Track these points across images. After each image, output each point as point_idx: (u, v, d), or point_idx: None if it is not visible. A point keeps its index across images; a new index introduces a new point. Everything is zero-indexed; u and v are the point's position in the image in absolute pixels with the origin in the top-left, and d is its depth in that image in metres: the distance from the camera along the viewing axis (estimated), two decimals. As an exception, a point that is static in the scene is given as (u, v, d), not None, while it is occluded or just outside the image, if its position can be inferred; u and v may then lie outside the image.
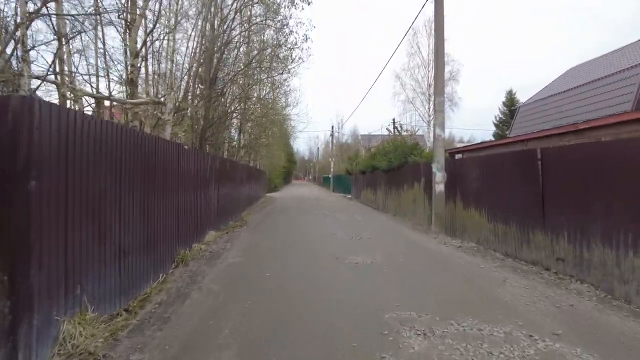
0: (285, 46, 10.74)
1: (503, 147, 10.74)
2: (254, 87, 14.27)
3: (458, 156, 12.18)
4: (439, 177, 9.24)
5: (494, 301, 4.11)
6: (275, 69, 13.45)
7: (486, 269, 5.65)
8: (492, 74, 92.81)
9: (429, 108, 30.93)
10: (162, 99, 7.88)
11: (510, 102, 49.55)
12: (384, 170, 15.87)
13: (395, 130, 29.33)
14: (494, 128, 48.32)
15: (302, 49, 11.34)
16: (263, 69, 11.63)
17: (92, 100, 8.99)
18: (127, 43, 9.20)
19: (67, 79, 7.73)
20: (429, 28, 31.66)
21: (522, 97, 48.73)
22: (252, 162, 22.42)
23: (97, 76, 9.98)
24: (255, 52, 11.12)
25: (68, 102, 9.43)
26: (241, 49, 11.57)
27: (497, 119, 48.24)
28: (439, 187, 9.24)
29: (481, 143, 13.90)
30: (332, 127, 41.05)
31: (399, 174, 14.25)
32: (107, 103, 8.98)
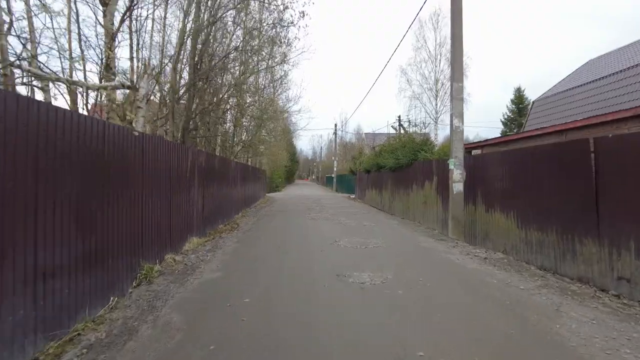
0: (280, 25, 9.55)
1: (533, 140, 9.46)
2: (250, 77, 13.09)
3: (475, 152, 10.93)
4: (458, 175, 8.01)
5: (559, 349, 2.90)
6: (273, 57, 12.28)
7: (527, 290, 4.42)
8: (496, 71, 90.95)
9: (436, 105, 29.67)
10: (138, 84, 6.73)
11: (519, 100, 48.17)
12: (391, 169, 14.65)
13: (401, 128, 28.09)
14: (501, 126, 47.00)
15: (300, 26, 10.07)
16: (254, 51, 10.44)
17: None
18: (102, 22, 8.08)
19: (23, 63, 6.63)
20: (435, 21, 30.41)
21: (528, 94, 47.16)
22: (250, 160, 21.24)
23: (71, 62, 8.86)
24: (243, 31, 9.93)
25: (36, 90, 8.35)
26: (233, 34, 10.41)
27: (505, 116, 46.87)
28: (457, 186, 8.01)
29: (505, 136, 12.61)
30: (335, 125, 39.82)
31: (407, 172, 13.02)
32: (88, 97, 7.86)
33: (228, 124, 14.34)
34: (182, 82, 8.97)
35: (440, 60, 29.39)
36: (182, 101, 8.91)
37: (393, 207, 14.75)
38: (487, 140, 12.87)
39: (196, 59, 8.35)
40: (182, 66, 8.93)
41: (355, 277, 4.74)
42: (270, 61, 13.50)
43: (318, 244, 7.08)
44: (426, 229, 9.92)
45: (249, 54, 10.53)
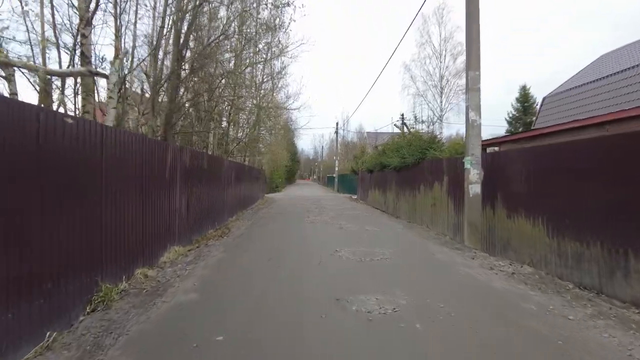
0: (274, 4, 8.61)
1: (562, 135, 8.50)
2: (246, 69, 12.18)
3: (490, 150, 10.00)
4: (474, 175, 7.08)
5: None
6: (270, 48, 11.35)
7: (579, 322, 3.49)
8: (497, 70, 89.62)
9: (441, 102, 28.72)
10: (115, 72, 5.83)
11: (525, 98, 47.13)
12: (396, 168, 13.71)
13: (404, 127, 27.19)
14: (506, 125, 46.06)
15: (295, 6, 9.13)
16: (247, 38, 9.51)
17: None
18: (75, 4, 7.20)
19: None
20: (440, 15, 29.45)
21: (533, 93, 46.32)
22: (248, 159, 20.34)
23: (44, 49, 7.95)
24: (233, 14, 8.99)
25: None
26: (223, 18, 9.45)
27: (510, 115, 45.94)
28: (474, 188, 7.07)
29: (529, 131, 11.61)
30: (337, 123, 38.87)
31: (414, 172, 12.08)
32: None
33: (224, 122, 13.43)
34: (167, 71, 8.06)
35: (445, 56, 28.47)
36: (163, 92, 8.01)
37: (398, 209, 13.82)
38: (505, 136, 11.93)
39: (180, 45, 7.44)
40: (165, 54, 8.02)
41: (359, 303, 3.81)
42: (268, 54, 12.60)
43: (316, 254, 6.14)
44: (436, 234, 8.98)
45: (242, 42, 9.62)
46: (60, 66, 8.15)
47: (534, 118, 24.47)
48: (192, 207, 7.81)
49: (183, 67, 7.76)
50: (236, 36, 9.20)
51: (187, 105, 8.61)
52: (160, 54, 7.71)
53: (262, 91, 15.95)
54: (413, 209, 12.06)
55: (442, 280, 4.73)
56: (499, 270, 5.30)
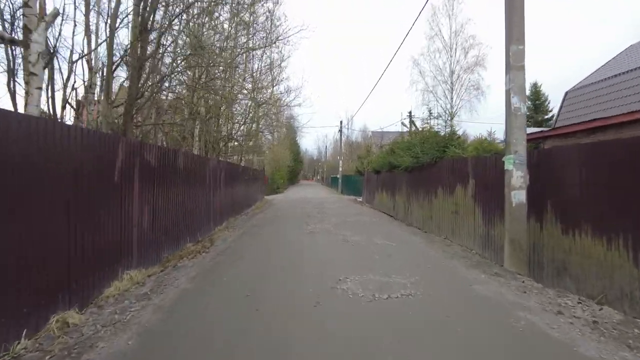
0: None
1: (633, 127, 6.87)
2: (240, 57, 10.66)
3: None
4: (519, 178, 5.49)
5: None
6: (268, 34, 9.82)
7: None
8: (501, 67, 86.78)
9: (451, 99, 27.05)
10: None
11: (536, 96, 45.43)
12: (407, 168, 12.13)
13: (412, 125, 25.63)
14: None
15: None
16: (239, 14, 7.97)
17: None
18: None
19: None
20: (450, 7, 27.78)
21: (544, 90, 44.78)
22: (244, 159, 18.82)
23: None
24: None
25: None
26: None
27: (521, 113, 44.16)
28: (518, 195, 5.49)
29: (591, 122, 9.89)
30: (341, 122, 37.30)
31: (429, 173, 10.49)
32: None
33: (214, 116, 11.89)
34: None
35: (456, 49, 26.80)
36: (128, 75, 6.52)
37: (410, 215, 12.23)
38: (553, 129, 10.32)
39: (142, 10, 5.91)
40: (123, 23, 6.50)
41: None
42: (267, 38, 11.09)
43: (311, 286, 4.56)
44: (462, 249, 7.38)
45: (233, 22, 8.12)
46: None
47: (554, 114, 22.77)
48: (160, 218, 6.29)
49: (146, 40, 6.27)
50: (225, 14, 7.68)
51: (154, 91, 7.08)
52: (117, 23, 6.17)
53: (259, 83, 14.43)
54: (428, 216, 10.47)
55: (502, 344, 3.14)
56: (571, 315, 3.71)
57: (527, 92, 37.93)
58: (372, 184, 19.89)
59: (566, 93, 19.56)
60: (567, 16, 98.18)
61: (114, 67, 6.07)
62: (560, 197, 5.25)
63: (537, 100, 45.72)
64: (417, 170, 11.50)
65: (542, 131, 11.09)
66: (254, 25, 10.89)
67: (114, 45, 6.06)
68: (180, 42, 7.66)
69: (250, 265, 5.77)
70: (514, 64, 5.52)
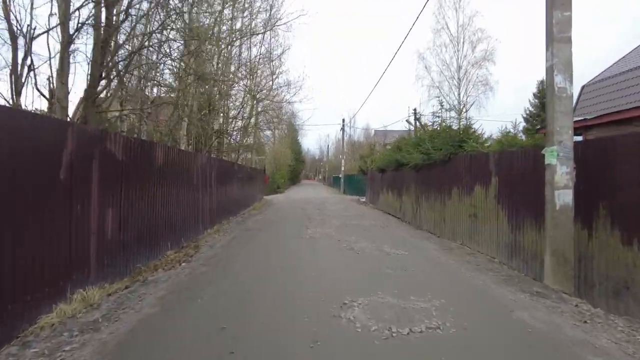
0: None
1: None
2: (234, 46, 9.66)
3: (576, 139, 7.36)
4: (563, 175, 4.47)
5: None
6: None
7: None
8: (507, 66, 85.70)
9: (459, 95, 26.00)
10: None
11: (543, 93, 44.27)
12: (416, 166, 11.11)
13: (417, 123, 24.64)
14: (523, 122, 43.29)
15: None
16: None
17: None
18: None
19: None
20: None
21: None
22: (240, 157, 17.83)
23: None
24: None
25: None
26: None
27: (527, 112, 43.23)
28: (564, 195, 4.46)
29: None
30: (343, 120, 36.30)
31: (442, 171, 9.47)
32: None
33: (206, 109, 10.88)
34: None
35: (463, 43, 25.74)
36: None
37: (419, 217, 11.20)
38: (602, 115, 9.34)
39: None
40: None
41: None
42: (265, 23, 10.09)
43: (308, 314, 3.51)
44: (487, 259, 6.34)
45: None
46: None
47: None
48: (131, 222, 5.30)
49: (122, 12, 5.27)
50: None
51: (122, 70, 6.06)
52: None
53: (256, 75, 13.42)
54: (441, 219, 9.44)
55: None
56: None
57: (535, 90, 35.71)
58: (376, 183, 18.88)
59: (583, 87, 18.54)
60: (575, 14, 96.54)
61: (70, 39, 5.07)
62: (620, 198, 4.22)
63: (544, 98, 44.52)
64: (428, 169, 10.48)
65: (584, 119, 10.05)
66: (252, 4, 9.92)
67: (71, 14, 5.06)
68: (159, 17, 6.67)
69: (234, 282, 4.76)
70: (558, 35, 4.50)
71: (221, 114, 11.68)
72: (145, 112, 8.97)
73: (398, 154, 13.27)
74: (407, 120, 27.84)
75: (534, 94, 44.73)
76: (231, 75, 10.53)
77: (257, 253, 6.58)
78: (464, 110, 9.46)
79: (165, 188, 6.56)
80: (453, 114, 10.22)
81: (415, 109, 27.81)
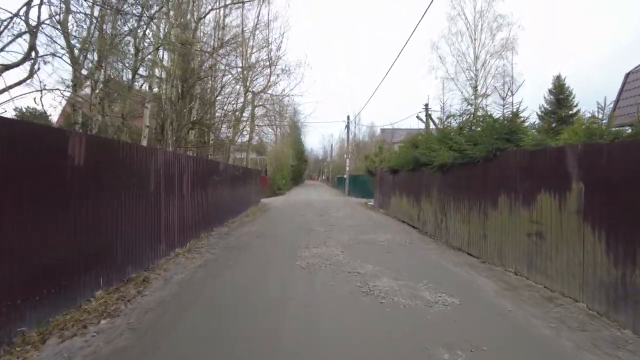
0: None
1: None
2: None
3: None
4: None
5: None
6: None
7: None
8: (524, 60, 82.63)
9: (475, 87, 23.65)
10: None
11: (559, 89, 41.87)
12: (442, 167, 8.93)
13: (429, 120, 22.50)
14: (538, 121, 40.89)
15: None
16: None
17: None
18: None
19: None
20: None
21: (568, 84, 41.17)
22: (233, 155, 15.66)
23: None
24: None
25: None
26: None
27: (542, 109, 40.87)
28: None
29: None
30: (348, 117, 34.08)
31: (483, 173, 7.26)
32: None
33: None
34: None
35: (481, 31, 23.38)
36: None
37: (446, 229, 8.98)
38: None
39: None
40: None
41: None
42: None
43: None
44: (581, 310, 4.12)
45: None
46: None
47: (580, 110, 19.33)
48: (17, 255, 3.16)
49: None
50: None
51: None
52: None
53: (250, 58, 11.29)
54: (480, 235, 7.23)
55: None
56: None
57: (551, 85, 32.63)
58: (387, 185, 16.66)
59: (627, 75, 16.31)
60: (582, 11, 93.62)
61: None
62: None
63: (560, 94, 42.12)
64: (459, 169, 8.28)
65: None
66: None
67: None
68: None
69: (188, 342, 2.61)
70: None
71: (214, 106, 9.45)
72: (97, 96, 6.85)
73: (417, 151, 11.08)
74: (417, 117, 25.63)
75: (549, 90, 42.27)
76: (215, 47, 8.37)
77: (224, 299, 4.38)
78: (511, 93, 7.18)
79: (91, 200, 4.42)
80: (492, 99, 7.97)
81: (426, 104, 25.59)
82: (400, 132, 39.49)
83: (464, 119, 8.90)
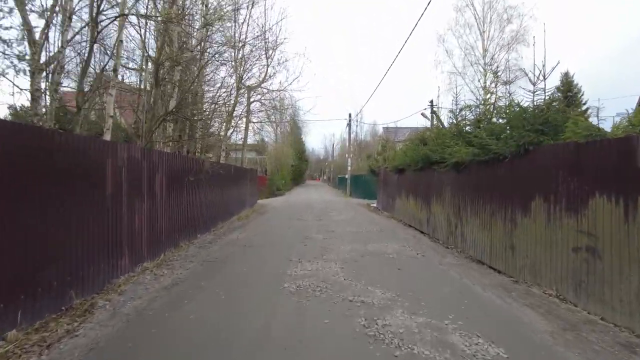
0: None
1: None
2: None
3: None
4: None
5: None
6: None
7: None
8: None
9: (484, 83, 22.46)
10: None
11: (567, 87, 40.66)
12: (458, 165, 7.77)
13: (434, 116, 21.31)
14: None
15: None
16: None
17: None
18: None
19: None
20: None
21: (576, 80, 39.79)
22: (224, 153, 14.50)
23: None
24: None
25: None
26: None
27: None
28: None
29: None
30: (349, 114, 32.89)
31: (510, 171, 6.08)
32: None
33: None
34: None
35: (491, 23, 22.15)
36: None
37: (461, 236, 7.81)
38: None
39: None
40: None
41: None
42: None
43: None
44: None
45: None
46: None
47: (589, 107, 18.20)
48: None
49: None
50: None
51: None
52: None
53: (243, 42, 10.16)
54: (506, 246, 6.05)
55: None
56: None
57: (558, 82, 31.47)
58: (391, 186, 15.49)
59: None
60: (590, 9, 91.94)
61: None
62: None
63: (569, 91, 40.88)
64: (478, 168, 7.12)
65: None
66: None
67: None
68: None
69: None
70: None
71: (201, 97, 8.23)
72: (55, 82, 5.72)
73: (425, 148, 9.90)
74: (422, 114, 24.43)
75: (556, 88, 40.86)
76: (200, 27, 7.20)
77: (181, 345, 3.21)
78: (543, 77, 5.98)
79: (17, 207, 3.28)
80: (522, 83, 6.78)
81: (431, 101, 24.39)
82: (403, 130, 38.26)
83: (481, 109, 7.74)
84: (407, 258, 6.40)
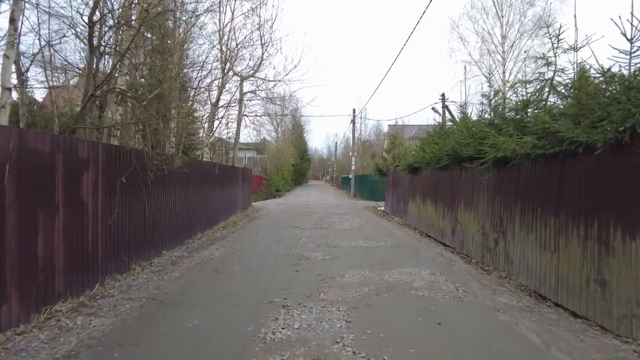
0: None
1: None
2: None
3: None
4: None
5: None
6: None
7: None
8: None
9: (503, 74, 20.40)
10: None
11: (583, 81, 38.56)
12: (500, 162, 5.84)
13: (446, 111, 19.43)
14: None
15: None
16: None
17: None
18: None
19: None
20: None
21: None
22: (217, 150, 12.59)
23: None
24: None
25: None
26: None
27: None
28: None
29: None
30: (354, 109, 30.89)
31: (591, 171, 4.11)
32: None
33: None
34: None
35: (510, 6, 20.03)
36: None
37: (504, 255, 5.84)
38: None
39: None
40: None
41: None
42: None
43: None
44: None
45: None
46: None
47: None
48: None
49: None
50: None
51: None
52: None
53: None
54: (592, 279, 4.07)
55: None
56: None
57: (572, 75, 29.70)
58: (403, 187, 13.52)
59: None
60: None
61: None
62: None
63: (582, 87, 38.78)
64: (535, 164, 5.19)
65: None
66: None
67: None
68: None
69: None
70: None
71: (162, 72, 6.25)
72: None
73: (452, 141, 7.93)
74: (433, 108, 22.43)
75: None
76: None
77: None
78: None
79: None
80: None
81: (443, 94, 22.38)
82: (410, 128, 36.25)
83: (537, 86, 5.78)
84: (445, 298, 4.40)
